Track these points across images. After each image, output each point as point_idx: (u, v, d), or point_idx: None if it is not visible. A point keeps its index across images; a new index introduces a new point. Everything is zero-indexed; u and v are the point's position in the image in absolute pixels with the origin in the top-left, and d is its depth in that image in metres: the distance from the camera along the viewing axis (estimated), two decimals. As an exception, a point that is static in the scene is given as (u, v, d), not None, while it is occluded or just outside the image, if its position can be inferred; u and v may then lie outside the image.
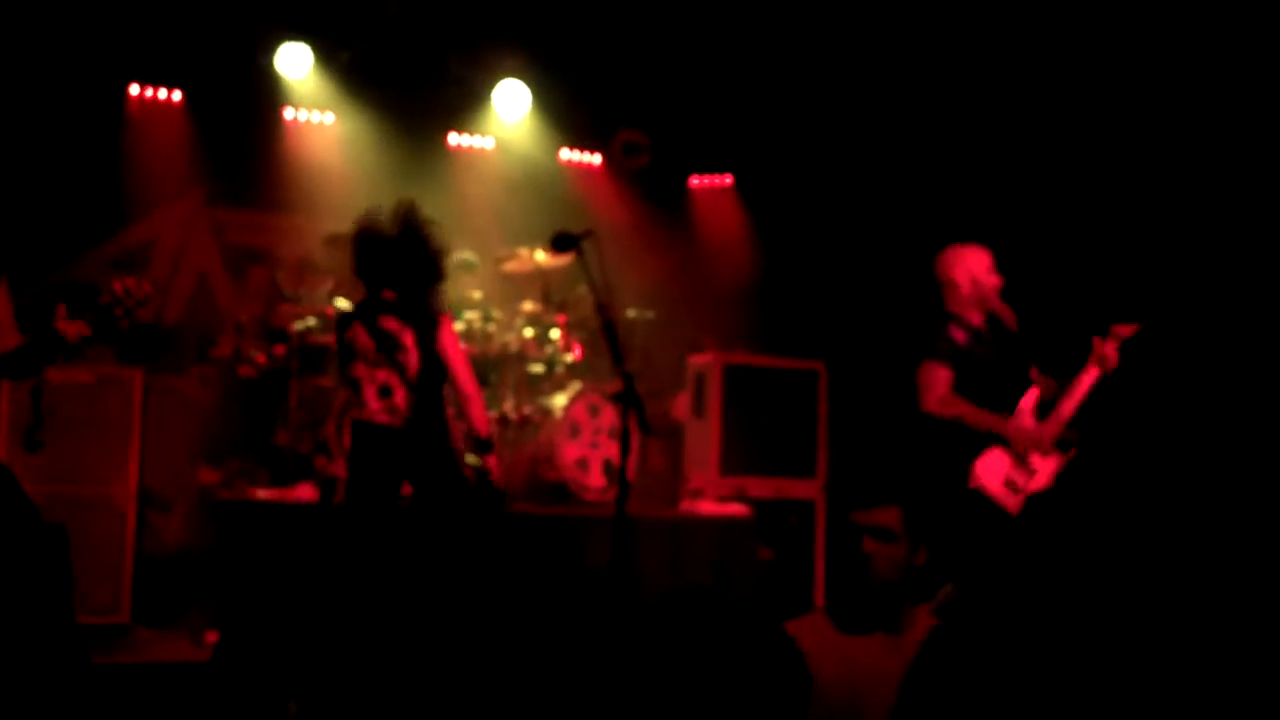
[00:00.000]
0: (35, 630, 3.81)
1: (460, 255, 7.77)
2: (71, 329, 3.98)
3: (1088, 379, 5.34)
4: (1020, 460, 5.34)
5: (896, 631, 3.20)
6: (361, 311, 5.44)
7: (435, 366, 5.39)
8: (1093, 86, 7.42)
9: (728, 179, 9.84)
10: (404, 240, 5.40)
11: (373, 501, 5.28)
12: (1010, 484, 5.34)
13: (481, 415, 5.56)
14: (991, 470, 5.34)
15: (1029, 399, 5.44)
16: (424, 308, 5.46)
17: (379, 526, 5.21)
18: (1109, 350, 5.30)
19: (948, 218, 8.26)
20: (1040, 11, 7.38)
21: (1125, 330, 5.34)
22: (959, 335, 5.46)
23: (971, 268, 5.55)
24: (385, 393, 5.31)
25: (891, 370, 7.78)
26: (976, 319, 5.54)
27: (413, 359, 5.34)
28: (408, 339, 5.36)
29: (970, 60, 7.89)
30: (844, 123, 8.78)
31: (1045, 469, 5.37)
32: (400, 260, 5.41)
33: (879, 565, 3.21)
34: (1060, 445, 5.39)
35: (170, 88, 8.34)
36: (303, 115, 8.71)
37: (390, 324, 5.36)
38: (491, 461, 5.55)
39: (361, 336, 5.34)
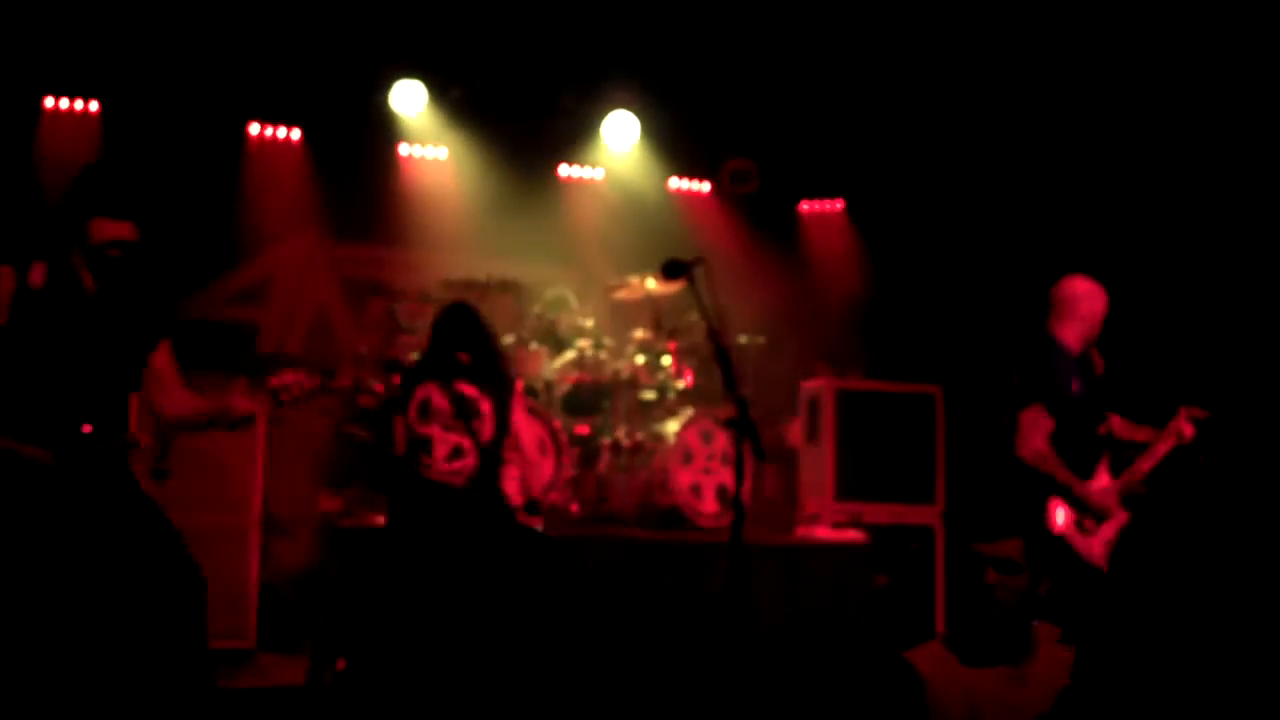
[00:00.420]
0: (169, 657, 3.90)
1: (555, 291, 7.87)
2: (243, 404, 4.16)
3: (1163, 448, 5.26)
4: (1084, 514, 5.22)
5: (1019, 663, 3.14)
6: (436, 371, 5.58)
7: (505, 433, 5.60)
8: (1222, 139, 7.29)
9: (838, 204, 9.78)
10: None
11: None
12: (1079, 525, 5.23)
13: (540, 480, 5.97)
14: (1061, 515, 5.24)
15: (1104, 462, 5.33)
16: (500, 375, 5.68)
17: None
18: (1186, 426, 5.25)
19: (1058, 241, 8.16)
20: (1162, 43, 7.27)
21: (1195, 414, 5.29)
22: (1075, 385, 5.30)
23: (1097, 306, 5.40)
24: (457, 454, 5.50)
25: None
26: (1076, 354, 5.39)
27: (488, 426, 5.54)
28: (485, 406, 5.55)
29: (1088, 89, 7.79)
30: (954, 145, 8.70)
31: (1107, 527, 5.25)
32: (481, 328, 5.71)
33: (1002, 596, 3.16)
34: (1126, 503, 5.28)
35: (289, 125, 8.55)
36: (417, 150, 8.88)
37: (468, 390, 5.54)
38: (538, 522, 5.84)
39: (436, 397, 5.51)
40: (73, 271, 3.99)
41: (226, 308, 8.40)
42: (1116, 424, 5.43)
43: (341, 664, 5.54)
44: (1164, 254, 7.57)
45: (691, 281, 4.20)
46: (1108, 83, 7.74)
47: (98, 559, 3.91)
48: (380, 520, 6.71)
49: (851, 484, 7.65)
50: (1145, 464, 5.26)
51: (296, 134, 8.58)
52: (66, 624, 3.82)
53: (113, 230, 3.94)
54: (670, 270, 4.22)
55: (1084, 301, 5.37)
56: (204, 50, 7.93)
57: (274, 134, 8.55)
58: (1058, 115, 8.08)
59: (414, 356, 7.05)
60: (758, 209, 9.55)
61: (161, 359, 4.17)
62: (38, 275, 3.94)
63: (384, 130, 8.73)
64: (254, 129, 8.50)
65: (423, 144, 8.87)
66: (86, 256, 3.98)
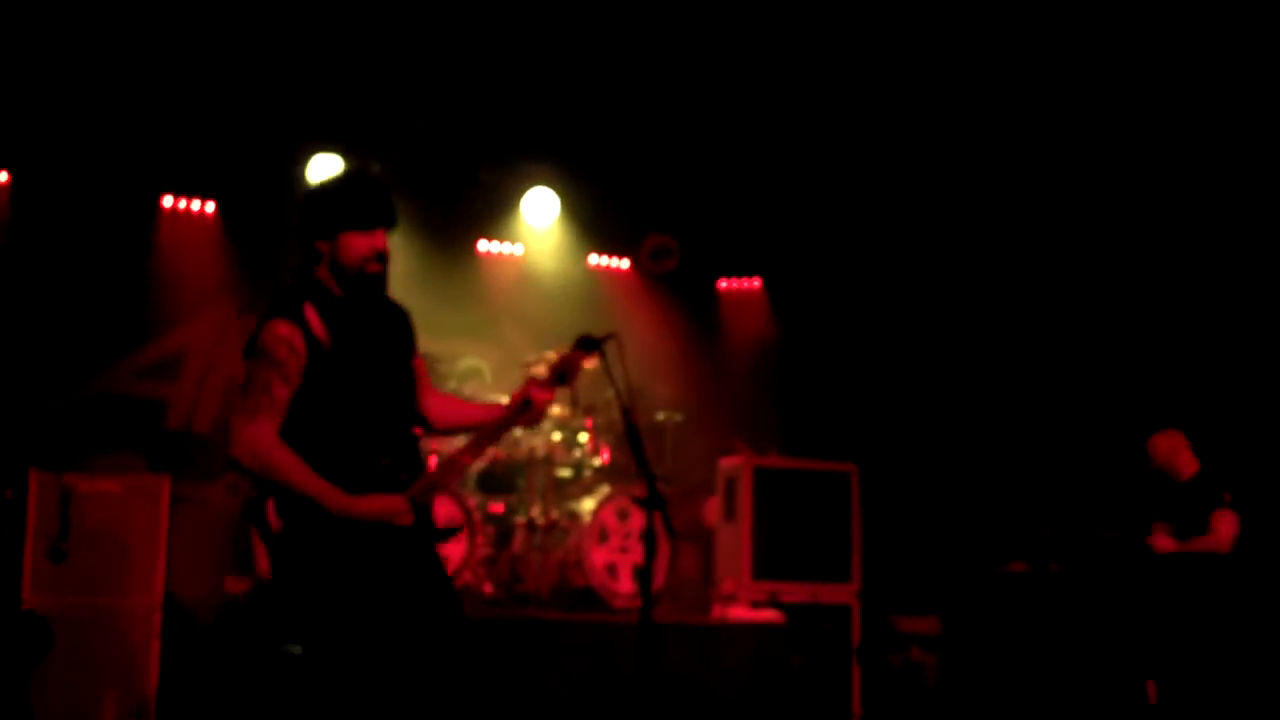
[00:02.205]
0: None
1: (468, 362, 7.80)
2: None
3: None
4: None
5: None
6: None
7: None
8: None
9: (756, 281, 9.85)
10: None
11: None
12: None
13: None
14: None
15: None
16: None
17: None
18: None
19: (981, 319, 8.30)
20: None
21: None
22: None
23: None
24: None
25: (922, 471, 7.78)
26: None
27: None
28: None
29: (1007, 158, 7.97)
30: (871, 223, 8.83)
31: None
32: None
33: (930, 675, 3.12)
34: None
35: (204, 198, 8.45)
36: (334, 225, 8.79)
37: None
38: None
39: None
40: (342, 305, 3.72)
41: (137, 383, 8.21)
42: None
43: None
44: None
45: (603, 357, 4.17)
46: (1017, 157, 7.93)
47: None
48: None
49: (768, 563, 7.61)
50: None
51: (211, 206, 8.48)
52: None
53: (367, 244, 3.71)
54: (582, 345, 4.18)
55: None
56: (117, 121, 7.86)
57: (188, 206, 8.43)
58: (971, 192, 8.24)
59: None
60: (677, 286, 9.59)
61: (418, 362, 3.96)
62: (317, 323, 3.65)
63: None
64: (167, 201, 8.38)
65: (340, 218, 8.79)
66: (342, 282, 3.73)
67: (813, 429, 8.78)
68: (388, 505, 3.60)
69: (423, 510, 3.72)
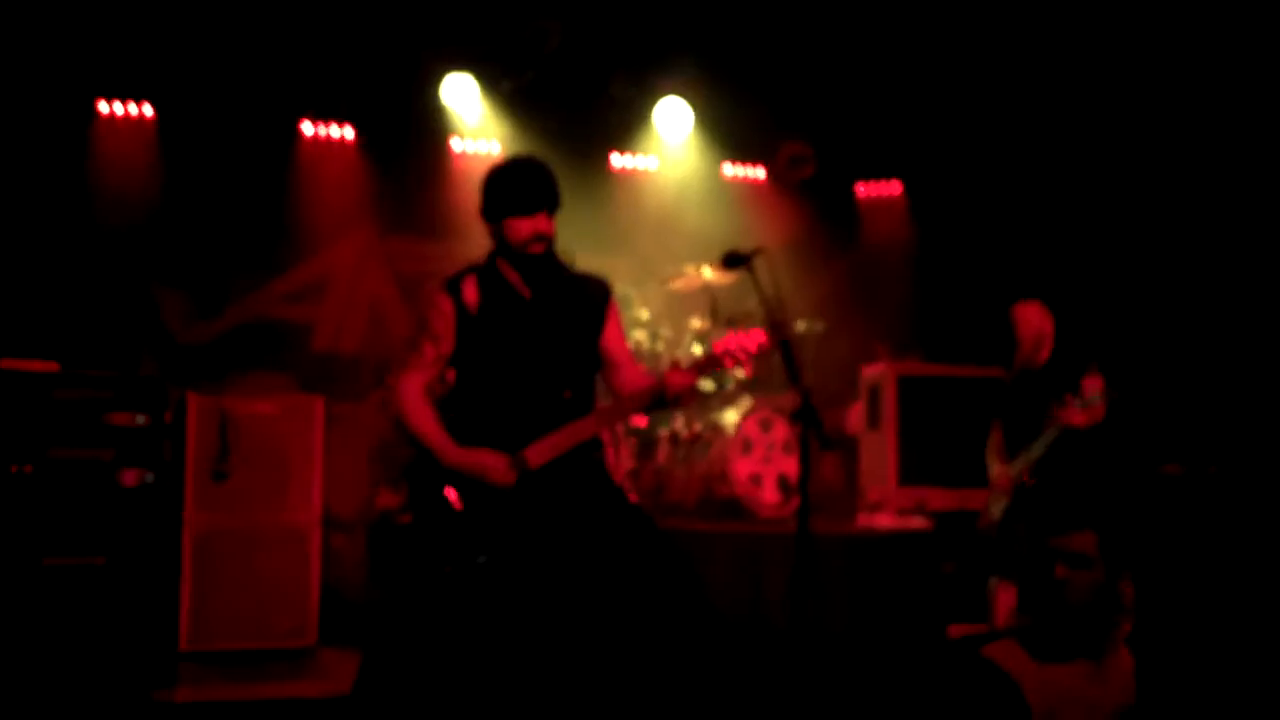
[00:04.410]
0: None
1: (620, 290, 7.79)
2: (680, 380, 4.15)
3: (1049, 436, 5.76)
4: None
5: (1099, 659, 3.03)
6: None
7: None
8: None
9: (896, 185, 9.65)
10: None
11: None
12: None
13: None
14: None
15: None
16: None
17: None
18: (1076, 415, 5.65)
19: (1113, 223, 8.02)
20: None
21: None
22: None
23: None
24: None
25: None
26: None
27: None
28: None
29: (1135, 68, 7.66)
30: (1011, 125, 8.56)
31: None
32: None
33: (1073, 592, 3.05)
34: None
35: (341, 123, 8.55)
36: (469, 145, 8.84)
37: None
38: None
39: None
40: (503, 279, 4.11)
41: (282, 307, 8.40)
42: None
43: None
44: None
45: (751, 272, 4.13)
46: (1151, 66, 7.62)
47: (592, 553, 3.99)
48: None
49: (914, 469, 7.52)
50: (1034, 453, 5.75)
51: (349, 131, 8.57)
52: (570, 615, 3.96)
53: (529, 227, 4.03)
54: (730, 261, 4.17)
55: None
56: (255, 50, 7.95)
57: (326, 132, 8.55)
58: (1112, 96, 7.94)
59: None
60: (814, 193, 9.44)
61: (612, 337, 4.24)
62: (471, 293, 4.08)
63: (436, 125, 8.71)
64: (306, 127, 8.50)
65: (475, 138, 8.84)
66: (512, 260, 4.09)
67: (956, 334, 8.61)
68: (486, 463, 3.94)
69: (535, 474, 3.99)
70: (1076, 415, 5.53)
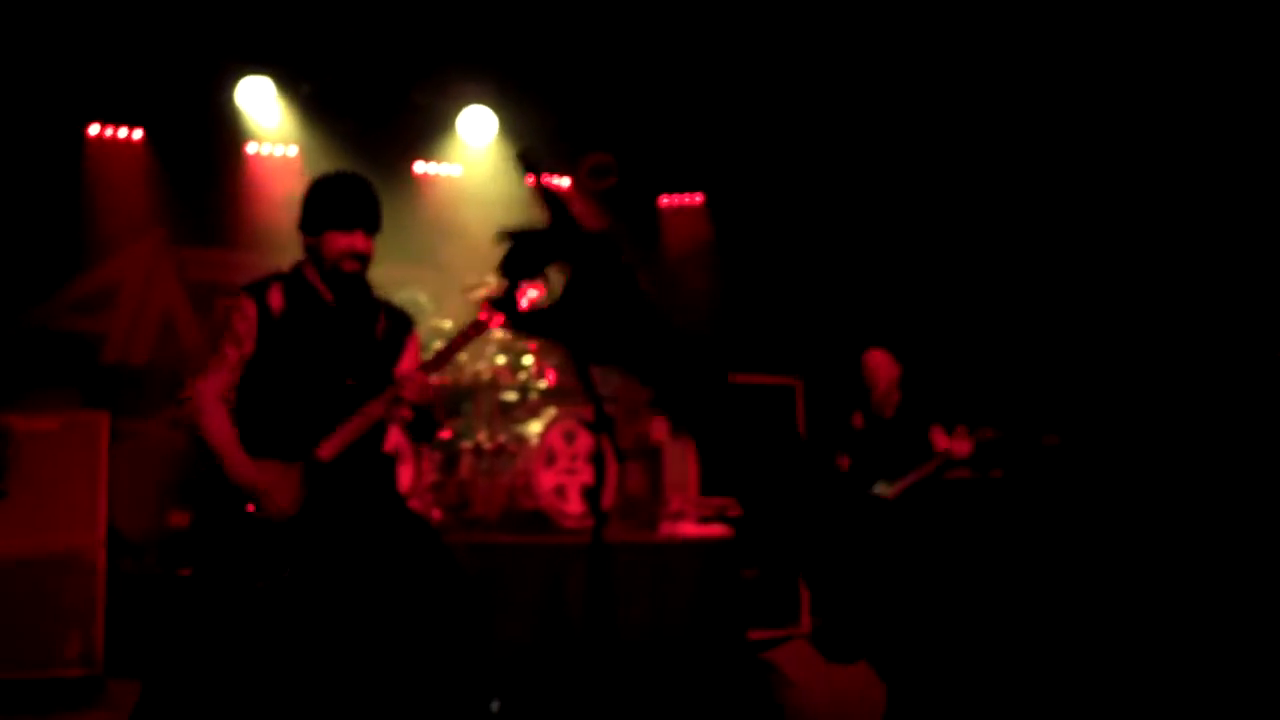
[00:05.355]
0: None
1: (405, 294, 7.72)
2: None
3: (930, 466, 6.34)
4: None
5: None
6: None
7: None
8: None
9: (698, 197, 9.78)
10: None
11: None
12: None
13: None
14: None
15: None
16: None
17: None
18: (959, 445, 6.20)
19: (918, 231, 8.29)
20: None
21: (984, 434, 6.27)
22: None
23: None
24: None
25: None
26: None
27: None
28: None
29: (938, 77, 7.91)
30: (811, 138, 8.76)
31: None
32: None
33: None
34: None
35: (130, 126, 8.24)
36: (265, 149, 8.63)
37: None
38: None
39: None
40: (310, 286, 4.07)
41: (70, 317, 8.06)
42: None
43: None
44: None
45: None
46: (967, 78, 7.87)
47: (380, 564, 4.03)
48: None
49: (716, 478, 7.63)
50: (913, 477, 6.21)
51: (139, 134, 8.27)
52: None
53: (345, 243, 4.00)
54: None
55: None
56: (40, 50, 7.61)
57: (114, 134, 8.23)
58: (917, 108, 8.19)
59: None
60: (617, 203, 9.51)
61: (409, 361, 4.25)
62: (276, 298, 4.02)
63: (230, 129, 8.47)
64: (94, 130, 8.17)
65: (271, 142, 8.63)
66: (322, 274, 4.06)
67: (755, 344, 8.78)
68: (269, 490, 3.92)
69: (331, 466, 4.02)
70: (960, 445, 5.88)
